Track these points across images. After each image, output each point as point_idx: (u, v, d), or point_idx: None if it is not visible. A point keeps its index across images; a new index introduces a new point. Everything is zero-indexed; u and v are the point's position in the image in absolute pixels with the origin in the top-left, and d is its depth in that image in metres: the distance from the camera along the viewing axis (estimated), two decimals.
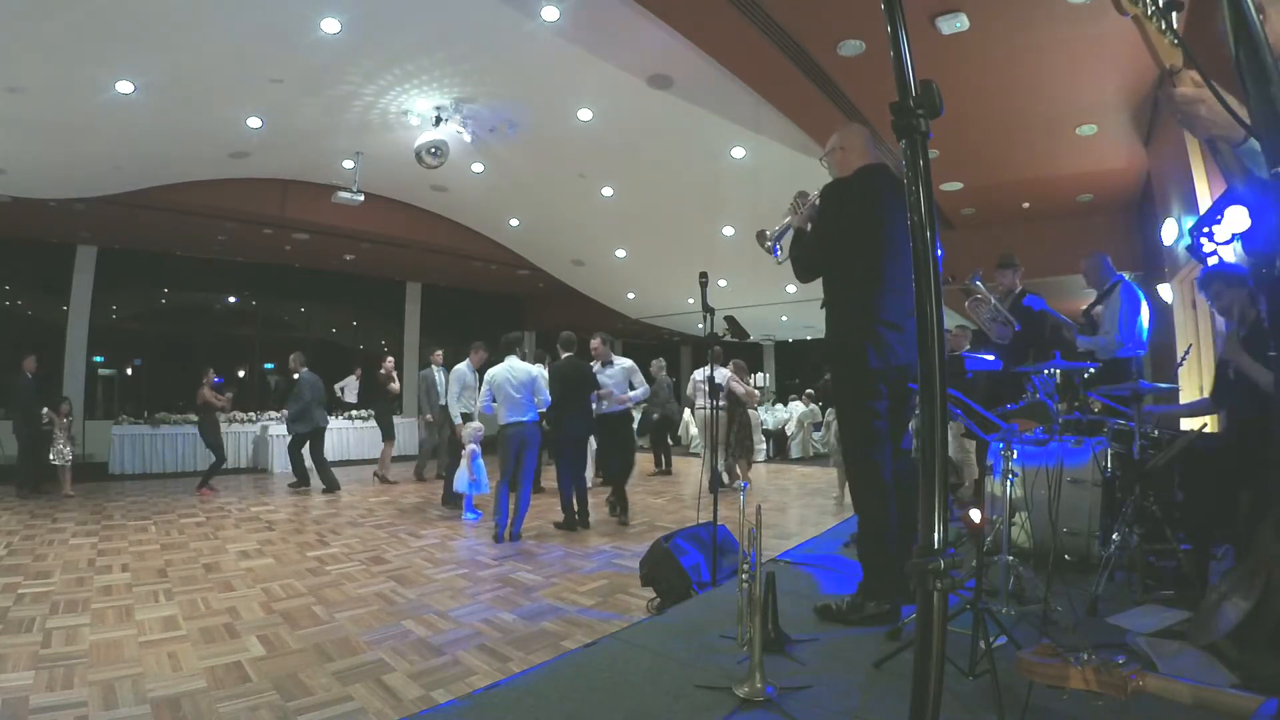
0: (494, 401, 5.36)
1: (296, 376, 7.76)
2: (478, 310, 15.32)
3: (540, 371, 5.44)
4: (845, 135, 2.82)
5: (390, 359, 9.51)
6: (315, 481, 7.88)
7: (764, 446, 11.49)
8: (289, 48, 5.39)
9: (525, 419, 5.30)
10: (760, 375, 17.06)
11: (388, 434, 8.79)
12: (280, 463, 9.19)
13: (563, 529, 5.54)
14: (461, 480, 6.15)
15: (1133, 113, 5.17)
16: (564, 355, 5.83)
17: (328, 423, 8.13)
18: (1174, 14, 1.29)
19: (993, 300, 4.23)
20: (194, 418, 9.26)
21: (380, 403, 8.88)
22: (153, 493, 7.57)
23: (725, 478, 7.36)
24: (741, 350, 15.06)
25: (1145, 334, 3.99)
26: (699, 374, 8.06)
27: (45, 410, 7.41)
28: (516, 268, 12.33)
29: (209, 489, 7.33)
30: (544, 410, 5.46)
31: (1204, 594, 2.26)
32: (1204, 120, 1.29)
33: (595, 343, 6.55)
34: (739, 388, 7.42)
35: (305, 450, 7.86)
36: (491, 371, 5.39)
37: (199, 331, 12.11)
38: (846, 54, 4.39)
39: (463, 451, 6.23)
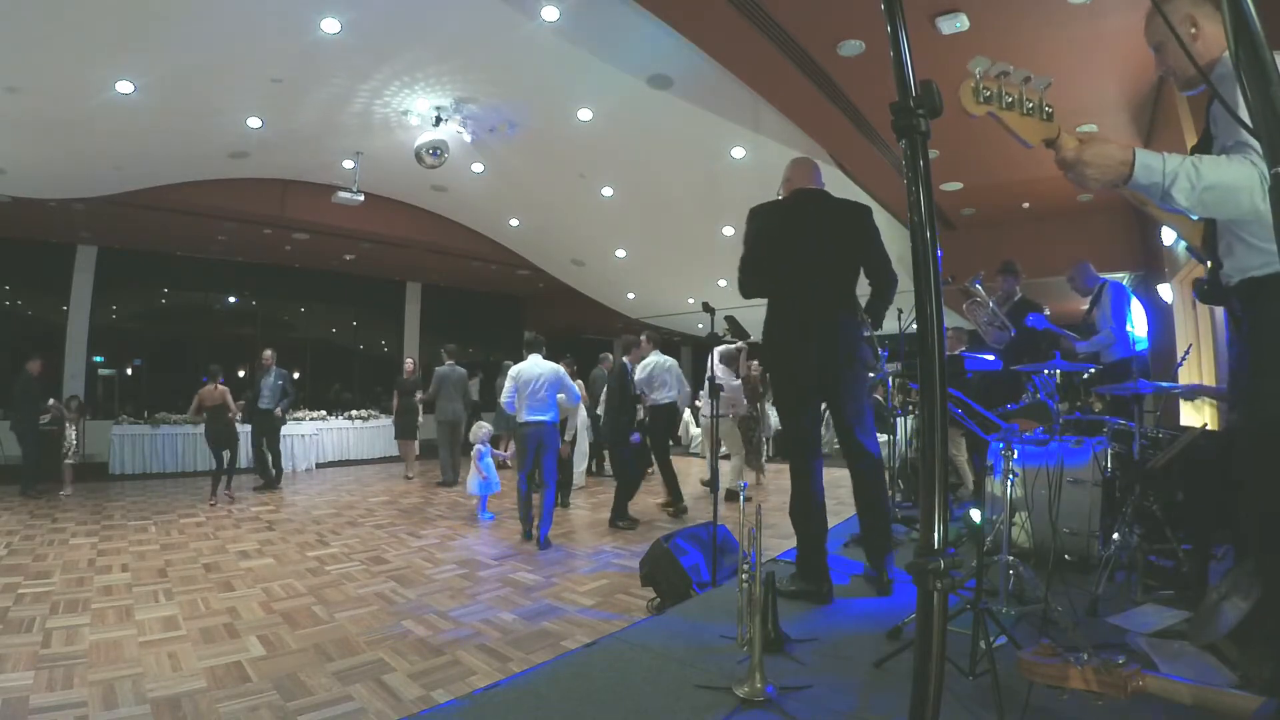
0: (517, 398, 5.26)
1: (272, 369, 7.91)
2: (478, 310, 15.32)
3: (563, 370, 5.44)
4: (793, 169, 3.08)
5: (410, 360, 9.51)
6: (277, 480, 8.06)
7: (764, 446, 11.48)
8: (289, 48, 5.39)
9: (545, 418, 5.15)
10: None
11: (412, 433, 8.89)
12: (287, 461, 9.22)
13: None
14: (473, 482, 6.16)
15: (1133, 113, 5.17)
16: (622, 358, 6.05)
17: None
18: (1044, 88, 1.32)
19: (990, 304, 4.24)
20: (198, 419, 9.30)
21: (405, 402, 8.90)
22: (153, 493, 7.57)
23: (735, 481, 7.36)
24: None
25: (1137, 333, 4.00)
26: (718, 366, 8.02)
27: (51, 403, 7.37)
28: (516, 268, 12.33)
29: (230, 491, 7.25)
30: (570, 408, 5.54)
31: (1204, 594, 2.25)
32: (1090, 175, 1.34)
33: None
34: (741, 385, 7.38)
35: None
36: (518, 367, 5.33)
37: (199, 331, 12.10)
38: (846, 54, 4.39)
39: (472, 451, 6.25)
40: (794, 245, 2.83)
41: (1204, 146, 1.57)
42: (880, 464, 2.90)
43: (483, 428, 6.39)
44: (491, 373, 10.03)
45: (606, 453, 9.05)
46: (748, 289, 2.96)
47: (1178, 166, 1.30)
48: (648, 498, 7.32)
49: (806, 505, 2.79)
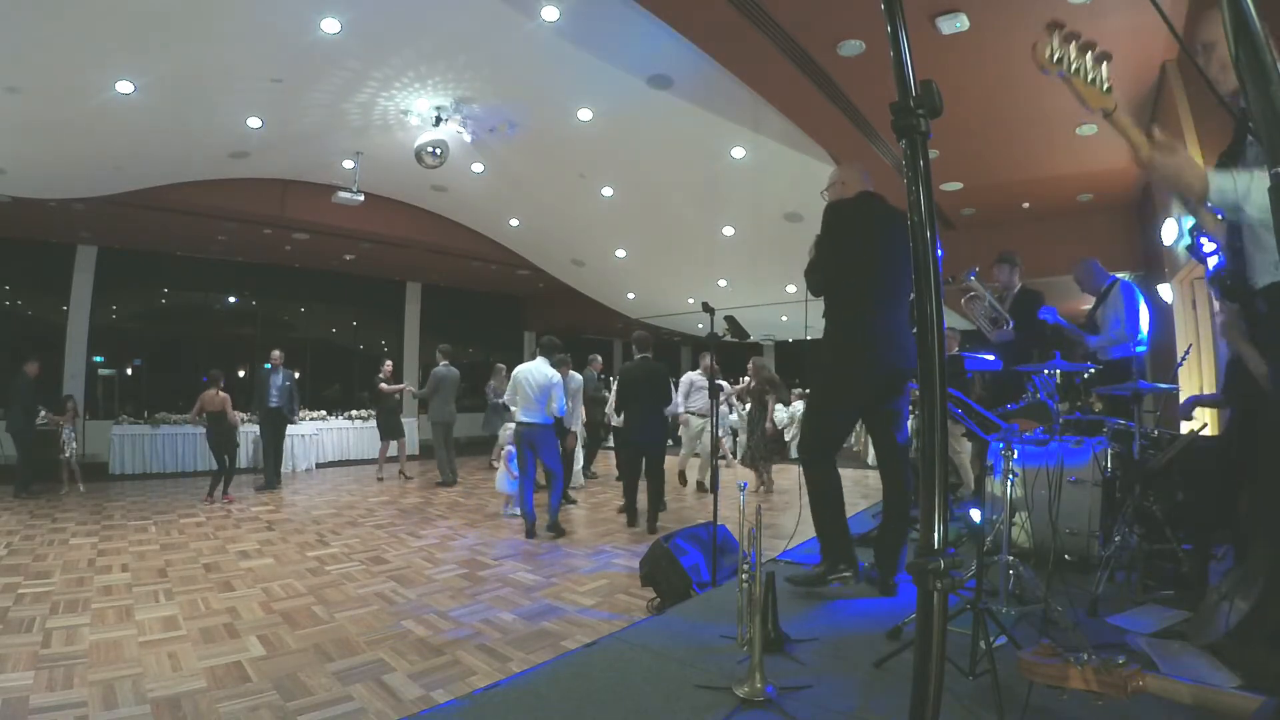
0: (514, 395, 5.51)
1: (280, 369, 8.05)
2: (478, 310, 15.33)
3: (559, 380, 5.51)
4: (845, 171, 3.10)
5: (389, 362, 9.51)
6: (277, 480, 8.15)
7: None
8: (289, 48, 5.39)
9: (536, 420, 5.37)
10: None
11: (397, 432, 8.91)
12: (287, 461, 9.27)
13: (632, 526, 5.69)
14: (502, 481, 6.24)
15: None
16: (637, 355, 5.98)
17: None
18: (1105, 64, 1.37)
19: (988, 298, 4.21)
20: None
21: (387, 402, 8.91)
22: (153, 493, 7.57)
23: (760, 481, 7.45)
24: (739, 350, 15.07)
25: (1144, 333, 3.99)
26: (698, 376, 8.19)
27: (44, 412, 7.37)
28: (516, 268, 12.33)
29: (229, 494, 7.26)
30: (559, 417, 5.59)
31: (1204, 594, 2.26)
32: (1159, 184, 1.38)
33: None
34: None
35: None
36: (519, 368, 5.56)
37: (199, 331, 12.11)
38: (846, 54, 4.39)
39: (503, 452, 6.29)
40: (868, 248, 2.82)
41: (1236, 151, 1.58)
42: (910, 466, 2.92)
43: (509, 428, 6.45)
44: (486, 373, 10.03)
45: (615, 455, 9.06)
46: (818, 286, 2.94)
47: (1249, 182, 1.37)
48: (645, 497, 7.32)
49: (831, 496, 2.82)
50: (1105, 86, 1.39)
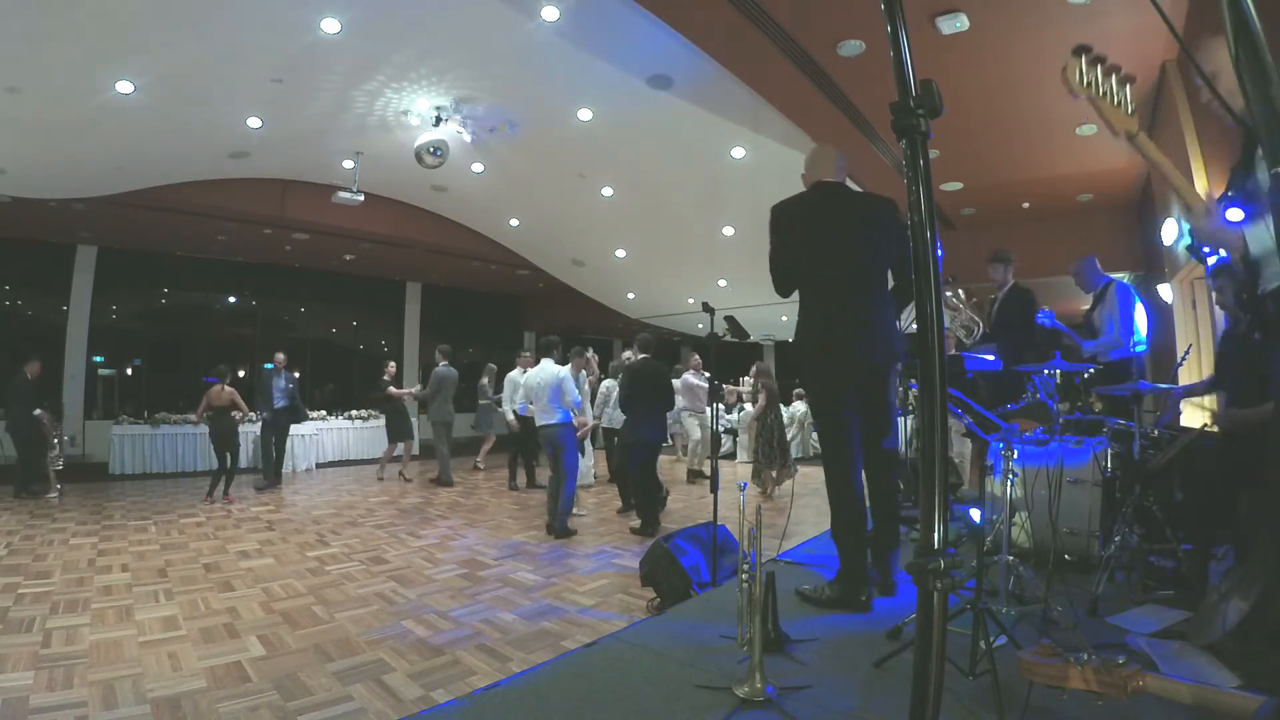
0: (530, 404, 5.62)
1: (282, 372, 8.17)
2: (478, 310, 15.32)
3: (566, 373, 5.49)
4: (813, 156, 3.03)
5: (392, 364, 9.49)
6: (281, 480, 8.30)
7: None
8: (289, 48, 5.39)
9: (553, 421, 5.41)
10: None
11: (407, 434, 8.92)
12: (287, 461, 9.26)
13: (639, 533, 5.41)
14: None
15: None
16: (639, 356, 5.99)
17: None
18: (1129, 87, 1.40)
19: (964, 309, 4.25)
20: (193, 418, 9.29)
21: (397, 403, 8.90)
22: (153, 493, 7.56)
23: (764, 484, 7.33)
24: (739, 350, 15.06)
25: (1142, 334, 4.00)
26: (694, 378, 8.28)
27: (37, 412, 7.28)
28: (516, 268, 12.33)
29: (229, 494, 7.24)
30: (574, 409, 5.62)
31: (1204, 594, 2.26)
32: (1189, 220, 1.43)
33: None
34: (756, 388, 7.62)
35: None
36: (526, 378, 5.61)
37: (199, 331, 12.10)
38: (846, 54, 4.39)
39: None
40: (818, 239, 2.74)
41: (1246, 161, 1.60)
42: (901, 465, 2.84)
43: None
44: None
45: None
46: (782, 286, 2.86)
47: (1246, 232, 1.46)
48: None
49: (850, 508, 2.67)
50: (1130, 109, 1.43)
